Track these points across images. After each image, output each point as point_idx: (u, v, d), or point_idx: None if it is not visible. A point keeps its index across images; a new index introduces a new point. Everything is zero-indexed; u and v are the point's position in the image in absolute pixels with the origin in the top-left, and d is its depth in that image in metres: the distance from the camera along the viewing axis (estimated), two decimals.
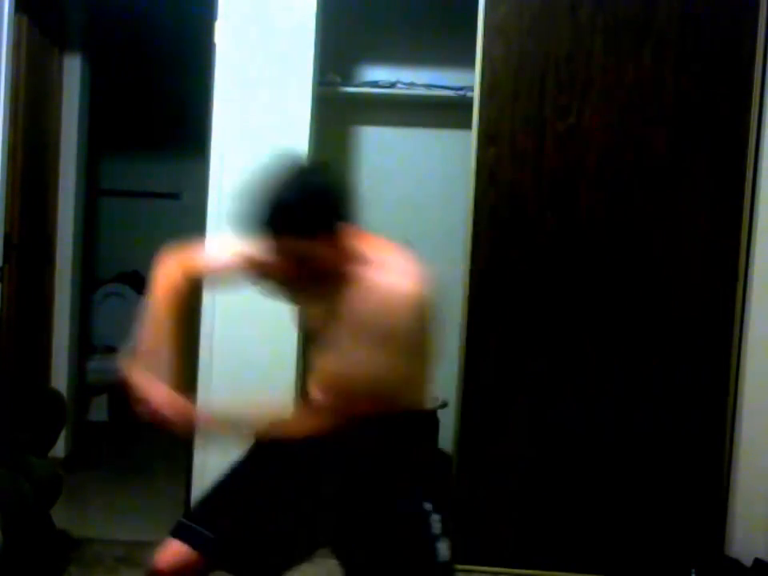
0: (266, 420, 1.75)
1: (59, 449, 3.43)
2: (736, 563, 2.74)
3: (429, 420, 1.89)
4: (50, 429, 2.66)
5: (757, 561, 2.71)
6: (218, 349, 2.87)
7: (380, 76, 3.35)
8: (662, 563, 2.81)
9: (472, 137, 2.76)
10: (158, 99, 4.89)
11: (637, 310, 2.79)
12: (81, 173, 3.77)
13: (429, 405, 1.92)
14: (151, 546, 2.88)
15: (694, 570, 2.73)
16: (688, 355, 2.79)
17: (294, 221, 1.61)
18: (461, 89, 3.14)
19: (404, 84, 3.30)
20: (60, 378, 3.70)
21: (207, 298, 2.86)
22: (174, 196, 5.00)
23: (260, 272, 1.83)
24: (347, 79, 3.33)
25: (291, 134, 2.84)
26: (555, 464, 2.82)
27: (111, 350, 4.79)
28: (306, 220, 1.63)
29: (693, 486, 2.81)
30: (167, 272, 2.03)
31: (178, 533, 1.84)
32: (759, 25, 2.71)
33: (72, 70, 3.67)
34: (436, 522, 1.74)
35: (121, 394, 1.83)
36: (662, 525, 2.81)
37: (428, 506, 1.74)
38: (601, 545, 2.83)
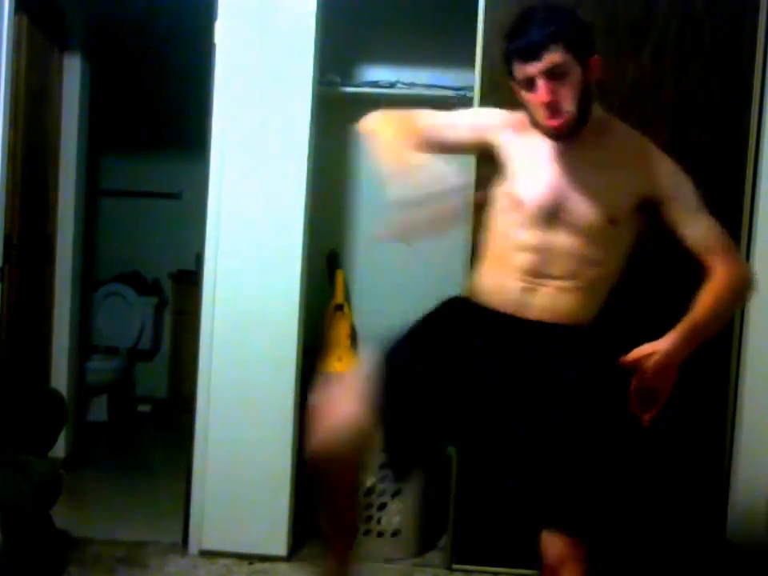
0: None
1: (59, 449, 3.43)
2: (736, 548, 2.73)
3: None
4: (50, 429, 2.66)
5: (757, 545, 2.71)
6: (218, 349, 2.87)
7: (380, 76, 3.35)
8: (662, 548, 2.81)
9: None
10: (158, 99, 4.89)
11: (636, 309, 2.79)
12: (81, 173, 3.77)
13: None
14: (151, 546, 2.91)
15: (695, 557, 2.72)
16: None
17: (581, 33, 1.75)
18: (461, 89, 3.14)
19: (404, 84, 3.30)
20: (60, 378, 3.70)
21: (207, 298, 2.87)
22: (174, 196, 5.01)
23: (508, 129, 1.87)
24: (347, 79, 3.33)
25: (291, 134, 2.84)
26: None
27: (111, 350, 4.81)
28: (588, 35, 1.77)
29: (693, 471, 2.81)
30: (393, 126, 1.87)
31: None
32: (759, 25, 2.71)
33: (72, 70, 3.67)
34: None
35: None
36: (663, 511, 2.81)
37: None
38: (600, 545, 2.83)
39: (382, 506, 2.94)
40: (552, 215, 1.81)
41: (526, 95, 1.77)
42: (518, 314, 1.83)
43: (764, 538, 2.73)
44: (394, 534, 2.95)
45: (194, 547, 2.89)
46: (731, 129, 2.75)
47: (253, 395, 2.86)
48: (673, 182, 1.87)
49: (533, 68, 1.71)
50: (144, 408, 5.00)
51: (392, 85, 3.29)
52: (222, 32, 2.84)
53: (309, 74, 2.85)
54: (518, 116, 1.89)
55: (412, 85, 3.30)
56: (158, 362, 5.08)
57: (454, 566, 2.86)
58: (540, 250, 1.82)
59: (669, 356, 1.76)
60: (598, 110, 1.87)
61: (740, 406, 2.78)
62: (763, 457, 2.77)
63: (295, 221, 2.85)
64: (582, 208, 1.80)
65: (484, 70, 2.74)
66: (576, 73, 1.73)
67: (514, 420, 1.78)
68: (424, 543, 3.02)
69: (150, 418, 4.95)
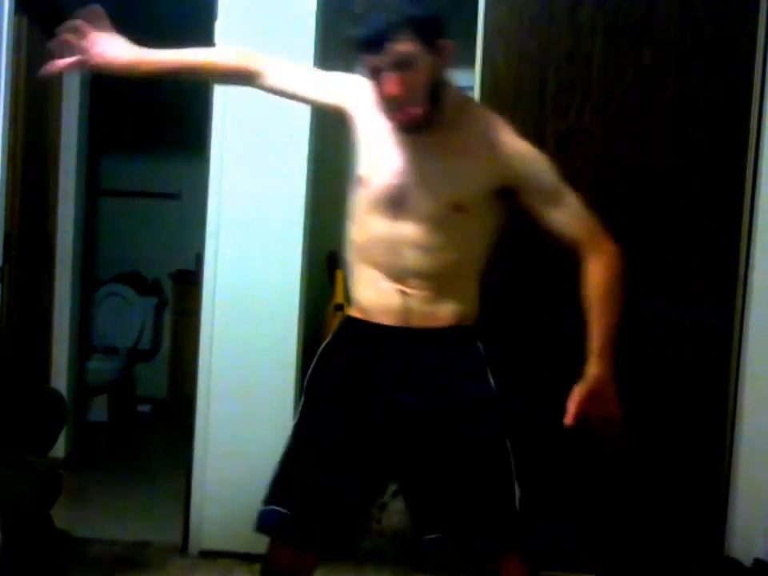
0: None
1: (59, 449, 3.44)
2: (736, 564, 2.73)
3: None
4: (50, 429, 2.66)
5: (757, 561, 2.71)
6: (218, 349, 2.87)
7: None
8: (661, 563, 2.81)
9: None
10: (158, 99, 4.89)
11: (636, 309, 2.79)
12: (81, 173, 3.77)
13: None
14: (151, 546, 2.91)
15: (694, 572, 2.73)
16: (688, 356, 2.79)
17: (430, 17, 1.64)
18: (461, 89, 3.13)
19: None
20: (60, 378, 3.71)
21: (207, 298, 2.87)
22: (174, 196, 5.01)
23: (369, 105, 1.75)
24: None
25: (291, 134, 2.84)
26: (553, 465, 2.81)
27: (111, 350, 4.81)
28: (437, 19, 1.67)
29: (693, 486, 2.81)
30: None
31: (271, 527, 1.78)
32: (759, 25, 2.70)
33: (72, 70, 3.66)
34: (513, 464, 1.74)
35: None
36: (662, 525, 2.81)
37: (508, 444, 1.74)
38: (601, 545, 2.83)
39: (382, 506, 2.94)
40: (397, 204, 1.70)
41: (372, 86, 1.66)
42: (402, 324, 1.73)
43: (763, 553, 2.73)
44: (394, 534, 2.95)
45: (194, 547, 2.89)
46: (731, 129, 2.75)
47: (253, 395, 2.86)
48: (530, 168, 1.73)
49: (378, 59, 1.59)
50: (144, 408, 5.00)
51: None
52: (222, 32, 2.84)
53: None
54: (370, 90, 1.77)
55: None
56: (158, 362, 5.08)
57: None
58: (389, 242, 1.72)
59: (600, 384, 1.72)
60: (453, 94, 1.75)
61: (739, 420, 2.78)
62: (763, 471, 2.77)
63: (295, 221, 2.85)
64: (424, 195, 1.69)
65: (484, 70, 2.74)
66: (426, 62, 1.61)
67: (423, 444, 1.72)
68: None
69: (150, 418, 4.95)
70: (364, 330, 1.77)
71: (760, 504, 2.78)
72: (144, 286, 5.01)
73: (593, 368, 1.72)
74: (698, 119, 2.75)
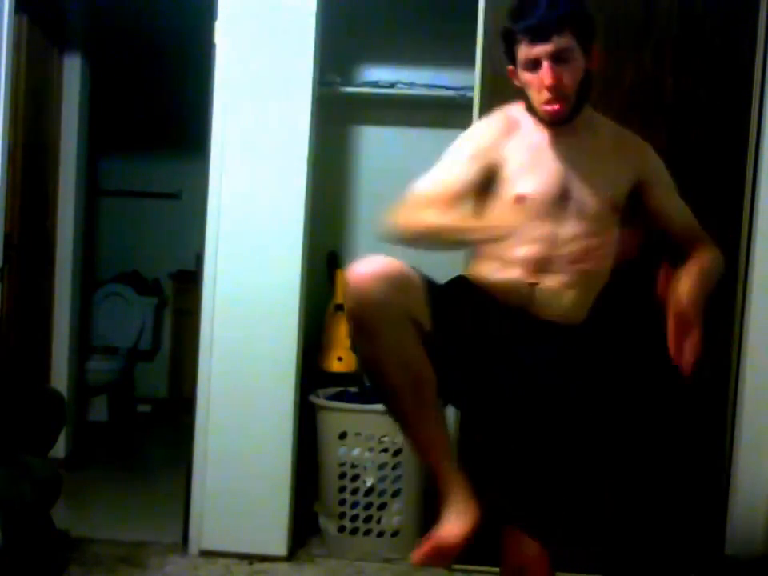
0: None
1: (59, 449, 3.44)
2: (735, 561, 2.73)
3: None
4: (50, 429, 2.66)
5: (757, 560, 2.71)
6: (218, 349, 2.87)
7: (380, 76, 3.35)
8: (661, 563, 2.81)
9: None
10: (158, 99, 4.90)
11: (636, 309, 2.79)
12: (81, 173, 3.77)
13: None
14: (151, 546, 2.91)
15: (694, 571, 2.73)
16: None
17: (588, 20, 1.75)
18: (461, 89, 3.14)
19: (404, 84, 3.29)
20: (60, 378, 3.70)
21: (207, 298, 2.87)
22: (174, 196, 5.01)
23: (503, 138, 1.82)
24: (347, 79, 3.32)
25: (291, 134, 2.84)
26: (553, 464, 2.81)
27: (111, 350, 4.81)
28: (592, 23, 1.77)
29: (693, 485, 2.81)
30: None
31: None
32: (759, 25, 2.70)
33: (72, 70, 3.67)
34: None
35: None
36: (662, 525, 2.81)
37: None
38: (601, 545, 2.83)
39: (382, 506, 2.94)
40: (559, 203, 1.77)
41: (527, 76, 1.74)
42: (523, 308, 1.78)
43: (763, 551, 2.73)
44: (394, 534, 2.95)
45: (194, 547, 2.89)
46: (731, 129, 2.75)
47: (253, 395, 2.86)
48: (656, 167, 1.88)
49: (541, 49, 1.69)
50: (144, 408, 5.00)
51: (392, 85, 3.29)
52: (222, 32, 2.84)
53: (309, 74, 2.85)
54: (506, 117, 1.87)
55: (412, 85, 3.29)
56: (158, 361, 5.08)
57: (454, 566, 2.86)
58: (546, 241, 1.77)
59: (692, 298, 1.69)
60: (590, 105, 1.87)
61: (739, 417, 2.78)
62: (763, 468, 2.77)
63: (295, 221, 2.85)
64: (588, 194, 1.78)
65: (484, 70, 2.74)
66: (579, 59, 1.72)
67: (516, 418, 1.77)
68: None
69: (150, 418, 4.95)
70: (492, 300, 1.79)
71: (760, 501, 2.78)
72: (144, 286, 5.01)
73: (687, 280, 1.69)
74: (698, 119, 2.75)
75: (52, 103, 3.59)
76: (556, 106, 1.73)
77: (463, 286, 1.85)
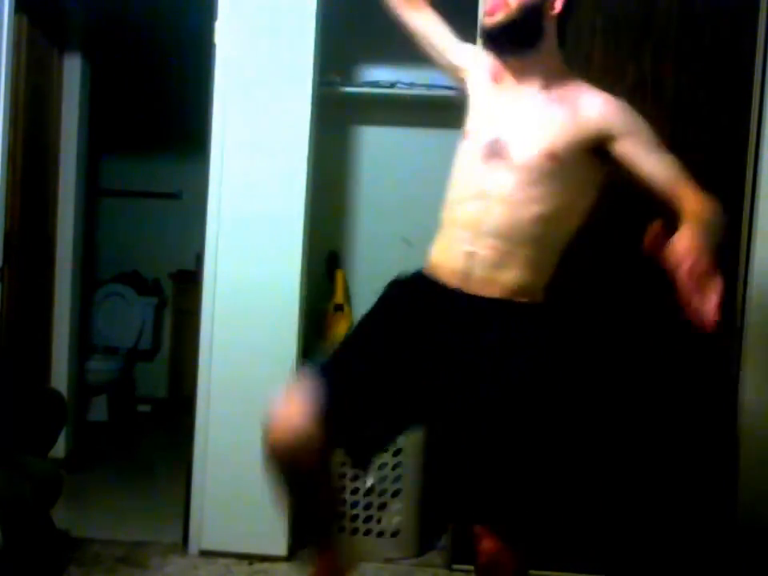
0: None
1: (59, 449, 3.43)
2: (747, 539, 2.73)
3: None
4: (50, 429, 2.66)
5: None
6: (218, 349, 2.87)
7: (380, 76, 3.35)
8: (662, 564, 2.81)
9: None
10: (158, 99, 4.90)
11: (636, 309, 2.79)
12: (81, 173, 3.77)
13: None
14: (151, 546, 2.91)
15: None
16: (688, 355, 2.78)
17: None
18: (461, 89, 3.13)
19: (404, 84, 3.29)
20: (60, 378, 3.70)
21: (207, 298, 2.87)
22: (174, 196, 5.01)
23: (483, 72, 1.91)
24: (347, 79, 3.32)
25: (291, 134, 2.84)
26: (553, 464, 2.81)
27: (111, 350, 4.81)
28: None
29: (695, 485, 2.81)
30: None
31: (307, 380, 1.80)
32: (759, 25, 2.70)
33: (72, 70, 3.67)
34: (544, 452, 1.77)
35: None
36: (666, 524, 2.81)
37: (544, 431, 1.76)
38: (602, 545, 2.82)
39: (382, 506, 2.94)
40: (494, 152, 1.74)
41: None
42: (464, 288, 1.74)
43: None
44: (394, 534, 2.95)
45: (193, 547, 2.89)
46: (731, 129, 2.75)
47: (253, 395, 2.85)
48: (626, 119, 1.75)
49: None
50: (144, 408, 5.00)
51: (392, 85, 3.29)
52: (222, 32, 2.84)
53: (309, 73, 2.85)
54: (477, 50, 2.02)
55: (412, 85, 3.29)
56: (158, 361, 5.08)
57: (454, 566, 2.86)
58: (479, 196, 1.74)
59: (697, 246, 1.52)
60: (557, 62, 1.85)
61: (740, 407, 2.78)
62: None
63: (295, 221, 2.85)
64: (521, 143, 1.73)
65: None
66: None
67: (458, 411, 1.72)
68: (424, 543, 3.02)
69: (150, 418, 4.95)
70: (430, 286, 1.80)
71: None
72: (144, 286, 5.01)
73: (687, 229, 1.55)
74: (698, 119, 2.75)
75: (52, 103, 3.59)
76: (491, 14, 1.78)
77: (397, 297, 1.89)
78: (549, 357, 1.76)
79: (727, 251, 2.75)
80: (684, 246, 1.50)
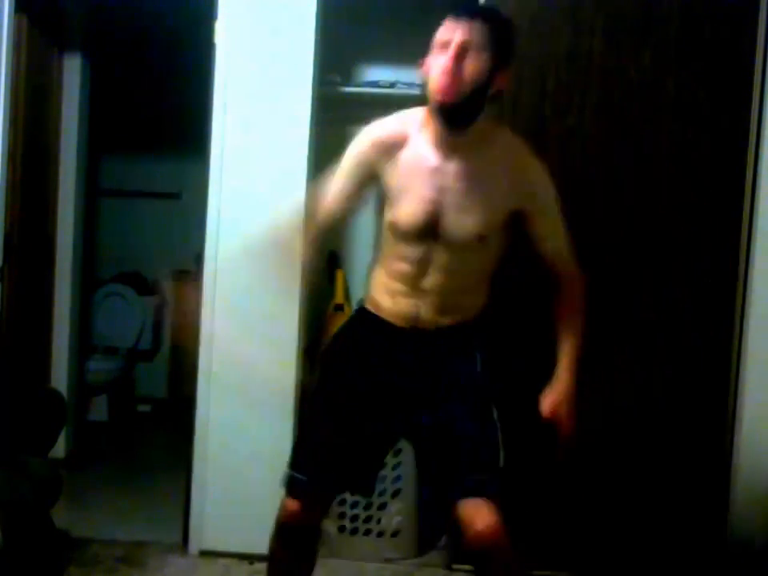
0: None
1: (59, 449, 3.43)
2: (738, 551, 2.74)
3: None
4: (50, 429, 2.66)
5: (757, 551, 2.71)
6: (218, 349, 2.87)
7: (380, 76, 3.35)
8: (662, 563, 2.81)
9: None
10: (158, 99, 4.89)
11: (636, 309, 2.79)
12: (81, 173, 3.77)
13: None
14: (151, 546, 2.91)
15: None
16: (689, 354, 2.79)
17: (510, 40, 1.82)
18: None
19: (404, 84, 3.29)
20: (60, 378, 3.70)
21: (207, 298, 2.87)
22: (174, 196, 5.01)
23: (385, 153, 1.92)
24: (347, 79, 3.32)
25: (291, 134, 2.84)
26: (553, 465, 2.81)
27: (111, 350, 4.81)
28: (512, 48, 1.83)
29: (694, 484, 2.81)
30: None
31: (291, 489, 1.99)
32: (759, 25, 2.71)
33: (72, 70, 3.67)
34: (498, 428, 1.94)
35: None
36: (663, 523, 2.81)
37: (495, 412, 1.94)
38: (602, 545, 2.83)
39: (382, 506, 2.94)
40: (427, 233, 1.86)
41: (432, 61, 1.76)
42: (411, 326, 1.93)
43: (764, 538, 2.73)
44: (394, 534, 2.95)
45: (193, 547, 2.89)
46: (731, 129, 2.75)
47: (253, 395, 2.85)
48: (544, 196, 1.90)
49: (456, 31, 1.73)
50: (144, 408, 5.00)
51: (392, 85, 3.29)
52: (222, 32, 2.84)
53: (309, 73, 2.85)
54: (393, 130, 1.97)
55: (412, 85, 3.29)
56: (158, 361, 5.07)
57: (454, 566, 2.86)
58: (418, 264, 1.89)
59: (570, 394, 1.91)
60: (486, 122, 1.87)
61: (740, 406, 2.78)
62: (764, 456, 2.77)
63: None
64: (455, 226, 1.85)
65: None
66: (486, 65, 1.74)
67: (428, 417, 1.93)
68: (424, 543, 3.02)
69: (150, 418, 4.95)
70: (377, 323, 1.98)
71: (761, 487, 2.77)
72: (144, 286, 5.01)
73: (563, 382, 1.92)
74: (698, 119, 2.75)
75: (52, 103, 3.59)
76: (440, 98, 1.75)
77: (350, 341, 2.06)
78: (487, 355, 1.99)
79: (727, 251, 2.77)
80: (561, 404, 1.90)
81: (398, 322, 1.94)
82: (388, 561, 2.92)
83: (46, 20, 3.40)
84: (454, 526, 1.85)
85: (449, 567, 2.87)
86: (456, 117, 1.79)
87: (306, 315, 2.96)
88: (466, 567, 2.83)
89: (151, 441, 4.59)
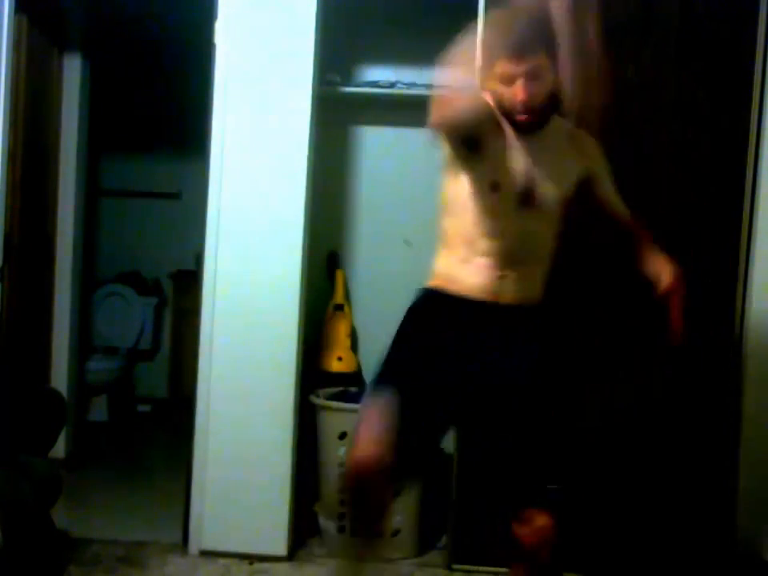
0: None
1: (59, 449, 3.44)
2: (745, 562, 2.74)
3: None
4: (50, 429, 2.65)
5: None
6: (218, 349, 2.87)
7: (380, 76, 3.35)
8: (669, 565, 2.81)
9: None
10: (158, 99, 4.90)
11: (637, 309, 2.79)
12: (81, 173, 3.77)
13: None
14: (151, 546, 2.91)
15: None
16: (689, 354, 2.78)
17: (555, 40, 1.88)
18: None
19: (404, 84, 3.29)
20: (60, 378, 3.70)
21: (207, 298, 2.87)
22: (174, 196, 5.01)
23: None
24: (347, 79, 3.32)
25: (291, 134, 2.84)
26: (554, 464, 2.81)
27: (111, 350, 4.81)
28: (557, 43, 1.88)
29: (698, 484, 2.81)
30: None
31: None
32: (759, 24, 2.70)
33: (72, 70, 3.67)
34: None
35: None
36: (667, 524, 2.81)
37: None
38: (603, 545, 2.82)
39: None
40: (525, 200, 1.95)
41: (502, 89, 1.90)
42: (490, 300, 1.96)
43: None
44: (394, 534, 2.95)
45: (193, 547, 2.89)
46: (731, 129, 2.75)
47: (253, 395, 2.86)
48: (602, 161, 2.10)
49: (517, 68, 1.85)
50: (144, 408, 5.00)
51: (392, 85, 3.29)
52: (222, 32, 2.84)
53: (309, 73, 2.85)
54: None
55: (412, 85, 3.29)
56: (158, 361, 5.08)
57: (454, 566, 2.86)
58: (508, 235, 1.95)
59: (680, 278, 2.00)
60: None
61: (743, 406, 2.78)
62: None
63: (295, 221, 2.85)
64: (548, 191, 1.96)
65: None
66: (551, 78, 1.87)
67: (501, 399, 1.96)
68: (424, 543, 3.02)
69: (150, 418, 4.95)
70: (451, 300, 1.99)
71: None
72: (144, 286, 5.01)
73: (669, 266, 2.01)
74: (698, 119, 2.75)
75: (52, 103, 3.59)
76: (524, 118, 1.90)
77: (425, 310, 2.05)
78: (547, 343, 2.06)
79: (727, 250, 2.77)
80: (671, 278, 1.99)
81: (479, 296, 1.96)
82: (388, 561, 2.92)
83: (46, 20, 3.40)
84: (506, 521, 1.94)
85: (449, 567, 2.87)
86: (535, 126, 1.95)
87: (306, 315, 2.96)
88: (466, 567, 2.84)
89: (151, 441, 4.59)
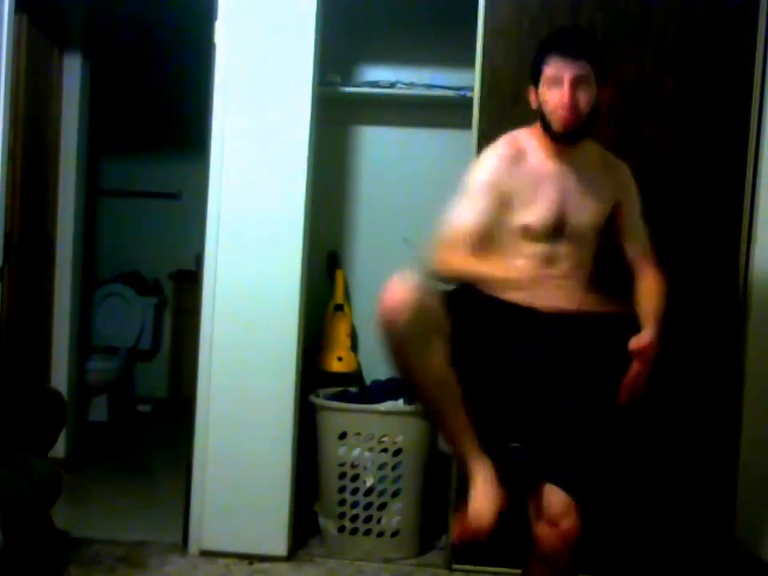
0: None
1: (59, 449, 3.43)
2: (745, 562, 2.74)
3: None
4: (50, 429, 2.65)
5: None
6: (218, 349, 2.87)
7: (380, 76, 3.35)
8: (664, 564, 2.81)
9: (472, 137, 2.75)
10: (158, 99, 4.90)
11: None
12: (81, 173, 3.77)
13: None
14: (151, 546, 2.91)
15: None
16: (691, 354, 2.78)
17: (605, 58, 2.04)
18: (461, 89, 3.14)
19: (404, 84, 3.29)
20: (60, 378, 3.70)
21: (207, 298, 2.87)
22: (174, 196, 5.01)
23: (511, 167, 2.03)
24: (347, 79, 3.32)
25: (291, 134, 2.84)
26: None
27: (111, 350, 4.81)
28: (606, 64, 2.05)
29: (698, 485, 2.81)
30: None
31: None
32: (759, 24, 2.70)
33: (72, 70, 3.67)
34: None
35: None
36: (668, 525, 2.81)
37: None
38: (603, 545, 2.82)
39: (382, 506, 2.94)
40: (555, 230, 2.03)
41: (547, 94, 1.97)
42: (527, 305, 1.94)
43: None
44: (394, 534, 2.95)
45: (193, 547, 2.89)
46: (731, 128, 2.75)
47: (253, 395, 2.86)
48: (632, 189, 2.16)
49: (566, 70, 1.94)
50: (144, 408, 5.00)
51: (392, 85, 3.29)
52: (222, 32, 2.84)
53: (309, 73, 2.85)
54: (513, 144, 2.07)
55: (412, 85, 3.29)
56: (158, 361, 5.08)
57: (454, 566, 2.86)
58: (543, 258, 2.03)
59: (656, 342, 2.00)
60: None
61: (745, 406, 2.78)
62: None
63: (295, 221, 2.85)
64: (580, 220, 2.05)
65: (484, 70, 2.74)
66: (594, 91, 1.98)
67: (546, 396, 1.99)
68: (424, 543, 3.02)
69: (150, 418, 4.95)
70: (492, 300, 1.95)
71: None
72: (144, 286, 5.01)
73: (650, 330, 2.01)
74: (698, 119, 2.75)
75: (52, 103, 3.59)
76: (567, 118, 1.96)
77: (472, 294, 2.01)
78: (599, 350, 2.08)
79: (727, 251, 2.77)
80: (645, 343, 1.99)
81: (512, 299, 1.94)
82: (388, 561, 2.92)
83: (45, 20, 3.40)
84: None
85: (449, 567, 2.87)
86: (573, 139, 2.02)
87: (306, 315, 2.96)
88: (466, 567, 2.84)
89: (151, 441, 4.59)
